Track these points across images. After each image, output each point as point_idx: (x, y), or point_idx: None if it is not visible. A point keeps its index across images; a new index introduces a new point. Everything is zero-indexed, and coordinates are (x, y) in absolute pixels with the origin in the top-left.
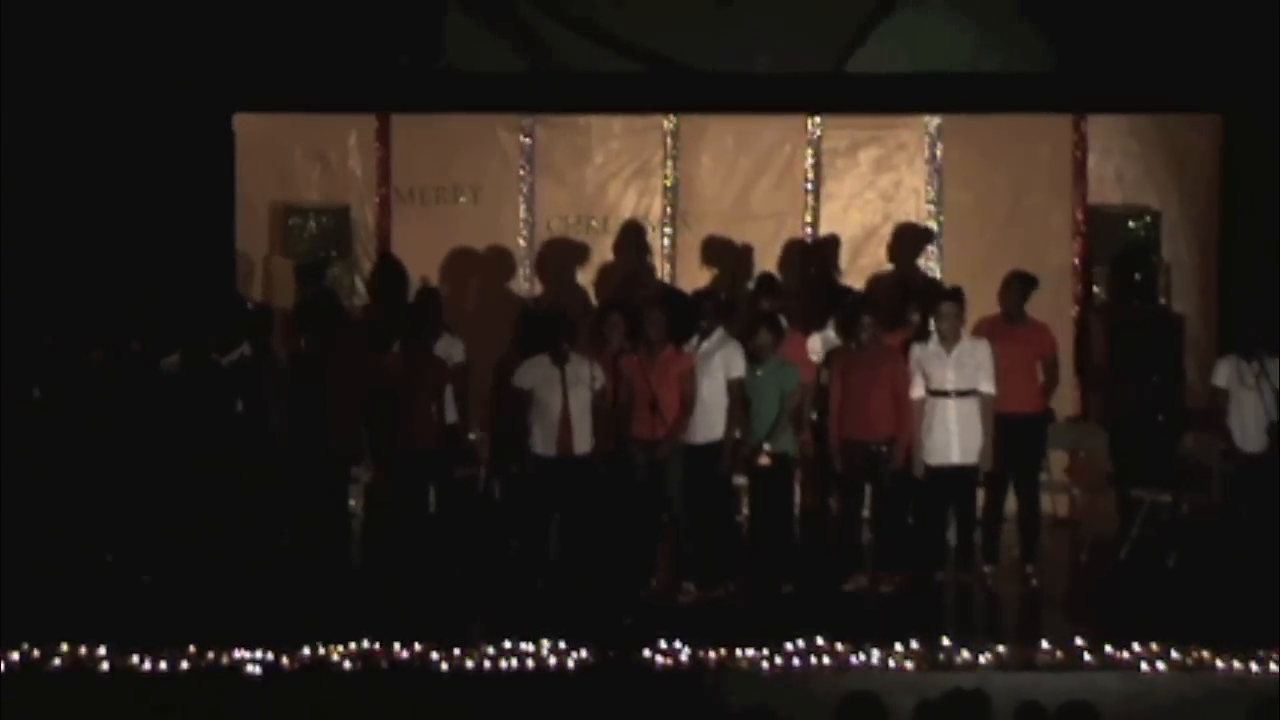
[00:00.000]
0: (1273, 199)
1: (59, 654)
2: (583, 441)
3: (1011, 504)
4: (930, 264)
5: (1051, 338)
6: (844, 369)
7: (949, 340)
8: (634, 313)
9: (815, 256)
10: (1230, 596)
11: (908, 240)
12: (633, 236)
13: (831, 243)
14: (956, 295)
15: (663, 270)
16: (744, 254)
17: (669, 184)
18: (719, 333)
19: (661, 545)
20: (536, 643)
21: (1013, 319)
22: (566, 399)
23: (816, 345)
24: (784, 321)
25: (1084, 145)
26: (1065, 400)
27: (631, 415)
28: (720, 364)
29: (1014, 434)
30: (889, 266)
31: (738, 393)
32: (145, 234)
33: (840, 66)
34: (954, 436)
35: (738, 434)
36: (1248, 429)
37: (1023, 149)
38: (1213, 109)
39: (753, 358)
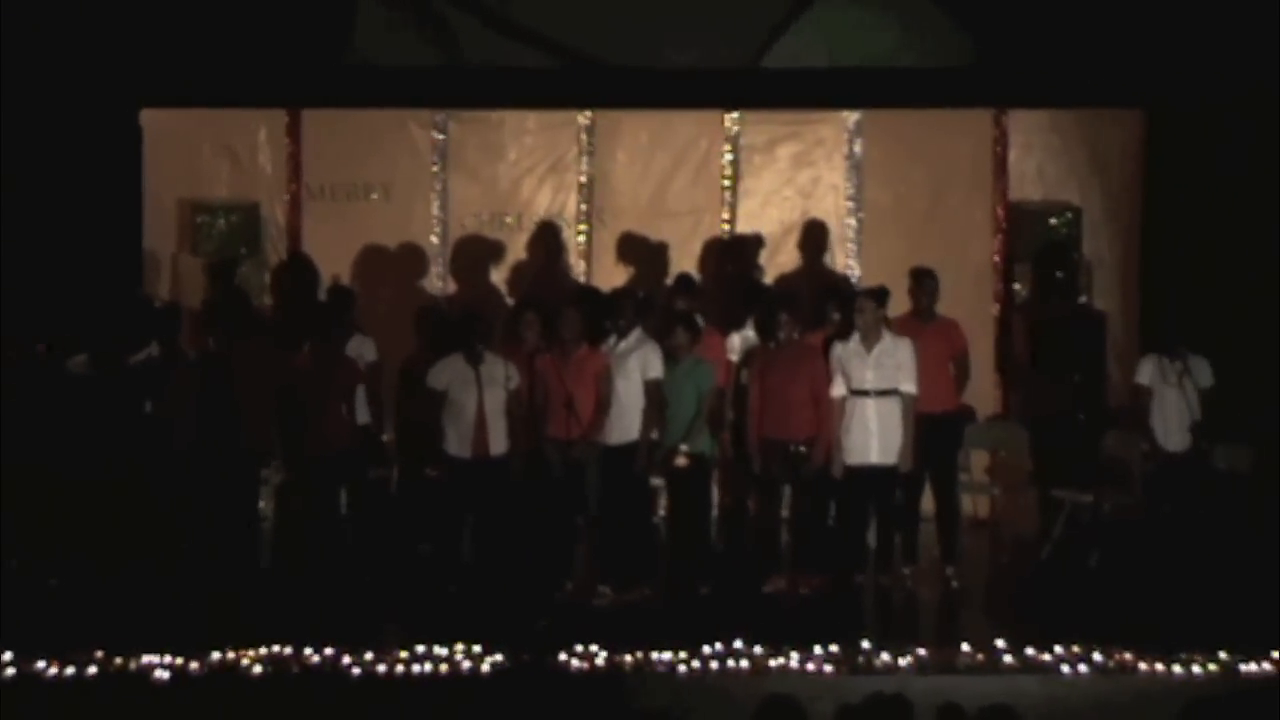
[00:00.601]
0: (1194, 196)
1: None
2: (498, 442)
3: (930, 504)
4: (848, 261)
5: (962, 335)
6: (762, 368)
7: (869, 339)
8: (549, 311)
9: (733, 254)
10: (1153, 598)
11: (817, 238)
12: (547, 234)
13: (749, 240)
14: (881, 295)
15: (578, 268)
16: (660, 252)
17: (584, 180)
18: (636, 332)
19: (577, 547)
20: (450, 647)
21: (924, 317)
22: (481, 399)
23: (736, 344)
24: (701, 321)
25: (1005, 141)
26: (986, 399)
27: (547, 415)
28: (637, 364)
29: (929, 433)
30: (806, 265)
31: (655, 393)
32: (50, 232)
33: (758, 61)
34: (874, 436)
35: (655, 435)
36: (1170, 428)
37: (943, 145)
38: (1134, 104)
39: (669, 357)
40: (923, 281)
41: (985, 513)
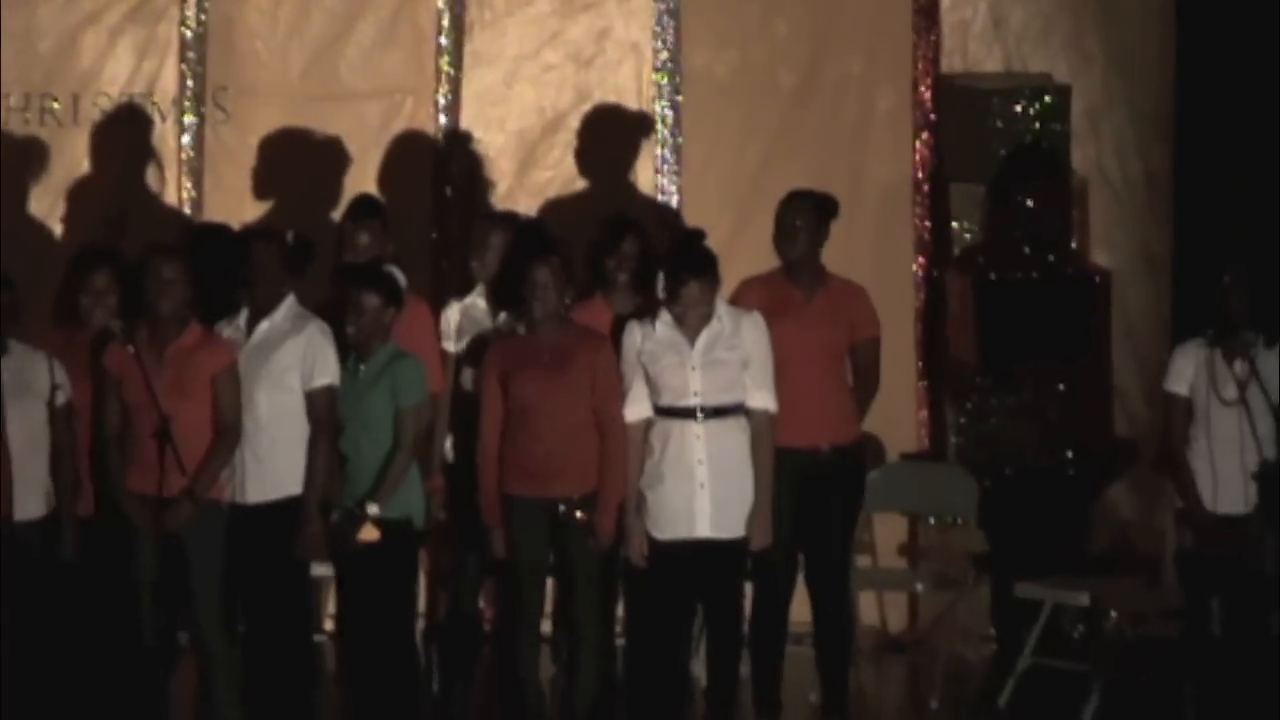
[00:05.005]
0: (1268, 65)
1: None
2: (31, 500)
3: (803, 609)
4: (657, 177)
5: (872, 313)
6: (507, 367)
7: (691, 319)
8: (130, 268)
9: (454, 165)
10: None
11: (620, 136)
12: (127, 130)
13: (476, 141)
14: (699, 257)
15: (180, 190)
16: (328, 159)
17: (190, 37)
18: (288, 303)
19: (175, 678)
20: None
21: (802, 277)
22: (0, 423)
23: (454, 320)
24: (402, 279)
25: None
26: (901, 424)
27: (127, 452)
28: (293, 360)
29: (810, 484)
30: (584, 183)
31: (326, 410)
32: None
33: None
34: (703, 490)
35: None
36: (1222, 474)
37: None
38: None
39: (348, 346)
40: (794, 214)
41: (900, 623)
